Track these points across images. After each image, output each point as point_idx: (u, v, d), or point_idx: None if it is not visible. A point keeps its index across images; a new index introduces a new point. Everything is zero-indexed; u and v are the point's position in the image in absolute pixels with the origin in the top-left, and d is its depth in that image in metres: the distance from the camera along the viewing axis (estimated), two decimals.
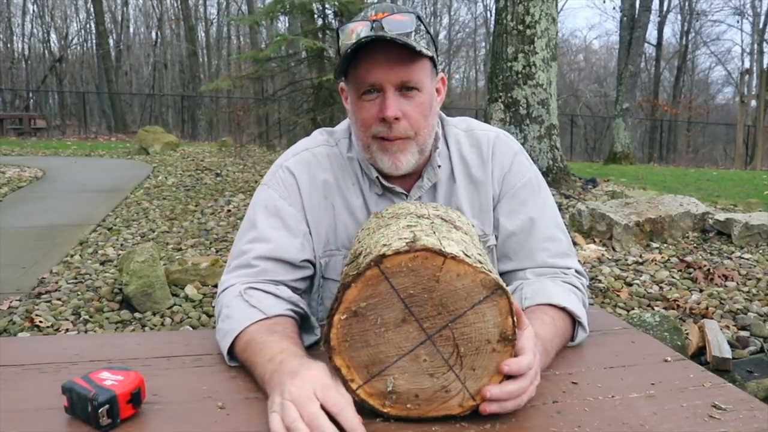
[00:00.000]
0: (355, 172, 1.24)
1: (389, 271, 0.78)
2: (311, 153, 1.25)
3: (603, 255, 4.28)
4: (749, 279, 3.87)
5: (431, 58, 1.13)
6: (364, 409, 0.82)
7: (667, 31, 38.11)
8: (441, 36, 29.17)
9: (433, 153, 1.23)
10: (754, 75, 21.44)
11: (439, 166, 1.24)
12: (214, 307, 1.15)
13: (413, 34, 1.09)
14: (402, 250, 0.78)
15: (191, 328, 3.20)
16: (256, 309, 1.05)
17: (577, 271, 1.24)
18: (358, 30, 1.09)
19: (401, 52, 1.08)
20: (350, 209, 1.23)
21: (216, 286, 3.70)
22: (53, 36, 28.01)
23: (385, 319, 0.80)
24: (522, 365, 0.83)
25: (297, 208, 1.19)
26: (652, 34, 23.60)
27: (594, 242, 4.54)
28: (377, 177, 1.20)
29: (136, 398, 0.82)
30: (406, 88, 1.12)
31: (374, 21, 1.08)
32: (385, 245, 0.82)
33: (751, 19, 27.47)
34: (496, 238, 1.26)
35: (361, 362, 0.81)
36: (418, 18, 1.13)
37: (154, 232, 5.21)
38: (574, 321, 1.12)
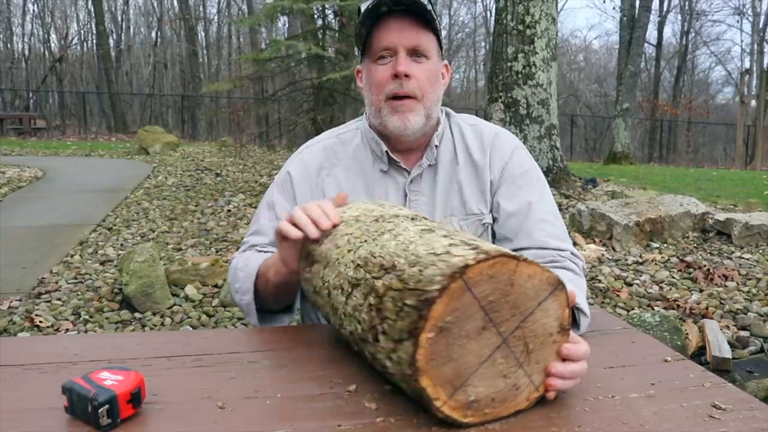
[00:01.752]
0: (357, 155, 1.37)
1: (472, 281, 0.77)
2: (310, 150, 1.41)
3: (603, 255, 4.28)
4: (749, 279, 3.87)
5: (438, 40, 1.31)
6: (445, 424, 0.80)
7: (667, 31, 38.04)
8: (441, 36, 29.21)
9: (433, 136, 1.35)
10: (754, 75, 21.47)
11: (437, 146, 1.36)
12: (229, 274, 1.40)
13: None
14: (481, 259, 0.77)
15: (191, 328, 3.20)
16: (267, 252, 1.31)
17: (572, 254, 1.29)
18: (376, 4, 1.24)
19: (413, 21, 1.26)
20: (341, 191, 1.35)
21: (216, 286, 3.72)
22: (53, 36, 28.06)
23: (467, 329, 0.78)
24: (580, 352, 0.86)
25: (289, 201, 1.37)
26: (652, 34, 23.64)
27: (594, 242, 4.54)
28: (386, 151, 1.33)
29: (136, 398, 0.82)
30: (416, 54, 1.27)
31: None
32: (435, 254, 0.80)
33: (751, 19, 27.50)
34: (493, 219, 1.36)
35: (445, 378, 0.79)
36: (430, 1, 1.28)
37: (154, 232, 5.21)
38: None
